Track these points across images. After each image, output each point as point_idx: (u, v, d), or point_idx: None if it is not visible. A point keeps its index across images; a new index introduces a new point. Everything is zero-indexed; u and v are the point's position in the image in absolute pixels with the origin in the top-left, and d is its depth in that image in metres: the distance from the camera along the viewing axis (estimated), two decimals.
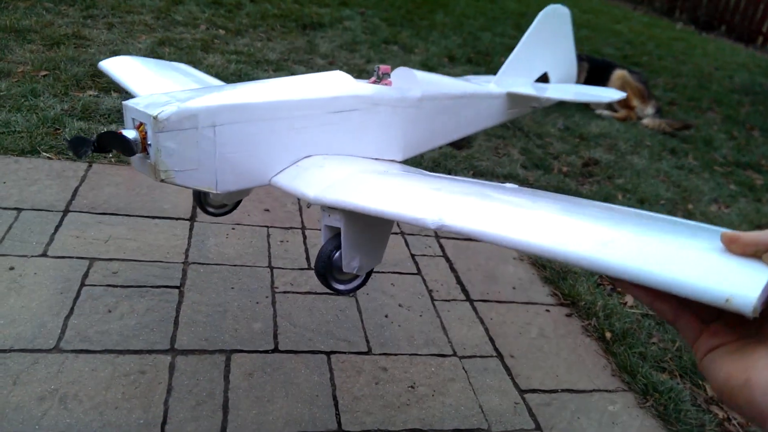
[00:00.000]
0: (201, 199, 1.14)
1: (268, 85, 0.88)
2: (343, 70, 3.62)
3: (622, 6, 10.28)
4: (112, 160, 2.23)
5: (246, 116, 0.81)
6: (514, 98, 1.34)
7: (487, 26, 6.04)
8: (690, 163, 3.48)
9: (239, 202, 1.21)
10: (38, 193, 1.92)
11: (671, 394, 1.62)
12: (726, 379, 0.45)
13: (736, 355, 0.46)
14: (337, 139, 0.93)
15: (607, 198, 2.80)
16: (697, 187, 3.14)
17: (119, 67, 1.21)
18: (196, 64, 3.38)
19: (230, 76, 3.31)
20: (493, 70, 4.48)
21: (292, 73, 3.57)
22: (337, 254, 0.87)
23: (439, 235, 2.25)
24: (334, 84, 0.93)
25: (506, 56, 4.85)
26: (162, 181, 0.76)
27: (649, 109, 4.05)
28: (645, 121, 3.98)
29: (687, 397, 1.63)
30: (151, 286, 1.61)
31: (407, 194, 0.74)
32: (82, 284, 1.56)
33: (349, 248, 0.86)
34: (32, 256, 1.62)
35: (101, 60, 3.46)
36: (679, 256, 0.50)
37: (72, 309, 1.47)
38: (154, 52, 3.40)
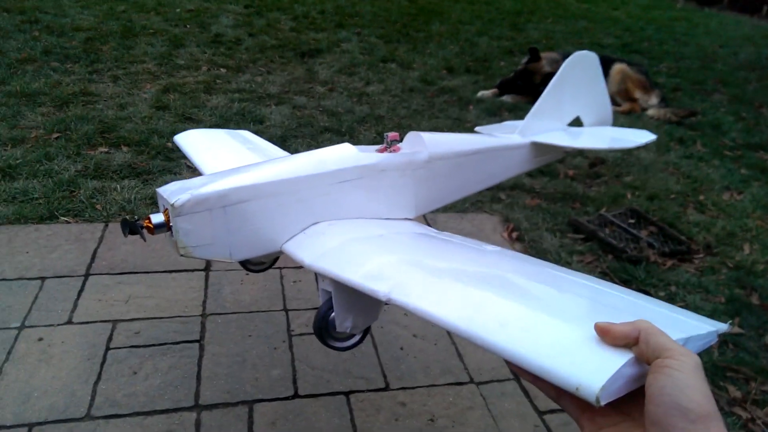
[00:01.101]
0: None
1: (277, 164, 0.98)
2: (343, 95, 3.69)
3: None
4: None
5: (253, 195, 0.91)
6: (540, 146, 1.36)
7: (483, 30, 6.07)
8: (699, 151, 3.45)
9: (277, 258, 1.28)
10: (59, 259, 2.00)
11: None
12: None
13: None
14: (345, 205, 1.01)
15: (616, 198, 2.79)
16: (707, 175, 3.11)
17: (187, 142, 1.35)
18: (200, 107, 3.48)
19: (234, 115, 3.40)
20: (492, 77, 4.52)
21: (294, 105, 3.65)
22: (332, 315, 0.93)
23: None
24: (339, 157, 1.01)
25: (505, 60, 4.83)
26: (182, 255, 0.88)
27: (653, 99, 4.02)
28: (650, 111, 3.95)
29: None
30: (172, 343, 1.67)
31: (372, 265, 0.82)
32: (107, 348, 1.63)
33: (340, 310, 0.93)
34: (58, 325, 1.70)
35: (109, 113, 3.54)
36: (551, 343, 0.55)
37: (99, 374, 1.54)
38: (159, 100, 3.50)
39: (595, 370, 0.49)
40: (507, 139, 1.34)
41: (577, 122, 1.49)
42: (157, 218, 0.87)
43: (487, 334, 0.60)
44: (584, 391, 0.48)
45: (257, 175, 0.93)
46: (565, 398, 0.56)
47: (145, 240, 0.89)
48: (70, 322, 1.72)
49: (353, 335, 0.98)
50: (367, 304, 0.94)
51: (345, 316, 0.93)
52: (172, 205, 0.85)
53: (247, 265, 1.26)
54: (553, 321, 0.61)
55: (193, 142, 1.35)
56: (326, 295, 0.93)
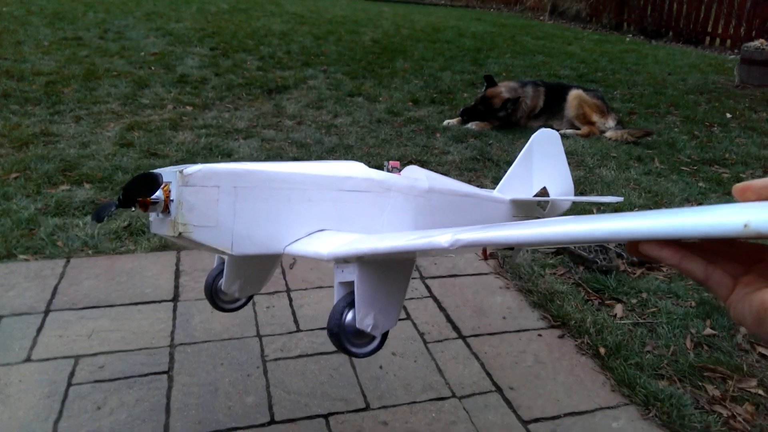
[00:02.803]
0: (213, 295, 1.16)
1: (292, 163, 0.96)
2: (312, 128, 3.70)
3: (573, 27, 10.71)
4: (90, 252, 2.24)
5: (265, 182, 0.87)
6: (518, 205, 1.39)
7: (446, 66, 6.25)
8: (657, 167, 3.57)
9: (251, 297, 1.23)
10: (17, 297, 1.91)
11: (672, 400, 1.61)
12: (763, 301, 0.44)
13: None
14: (351, 218, 0.98)
15: (582, 213, 2.85)
16: (667, 189, 3.21)
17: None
18: (165, 143, 3.44)
19: (201, 150, 3.37)
20: (456, 107, 4.63)
21: (262, 138, 3.65)
22: (351, 312, 0.87)
23: (424, 275, 2.27)
24: (350, 167, 1.01)
25: (468, 92, 4.96)
26: (179, 235, 0.79)
27: (610, 122, 4.17)
28: (608, 134, 4.09)
29: (689, 401, 1.63)
30: (139, 375, 1.59)
31: (421, 232, 0.78)
32: (69, 384, 1.54)
33: (363, 303, 0.86)
34: (16, 363, 1.61)
35: (71, 152, 3.45)
36: (690, 208, 0.50)
37: (61, 412, 1.45)
38: (123, 138, 3.46)
39: (759, 209, 0.43)
40: (492, 193, 1.36)
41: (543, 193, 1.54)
42: (156, 194, 0.78)
43: (621, 224, 0.51)
44: (756, 225, 0.41)
45: (271, 167, 0.91)
46: (717, 270, 0.50)
47: (158, 185, 0.79)
48: (28, 359, 1.63)
49: (373, 339, 0.91)
50: (390, 299, 0.89)
51: (367, 312, 0.86)
52: (181, 172, 0.78)
53: (218, 303, 1.17)
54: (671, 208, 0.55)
55: None
56: (345, 289, 0.87)
